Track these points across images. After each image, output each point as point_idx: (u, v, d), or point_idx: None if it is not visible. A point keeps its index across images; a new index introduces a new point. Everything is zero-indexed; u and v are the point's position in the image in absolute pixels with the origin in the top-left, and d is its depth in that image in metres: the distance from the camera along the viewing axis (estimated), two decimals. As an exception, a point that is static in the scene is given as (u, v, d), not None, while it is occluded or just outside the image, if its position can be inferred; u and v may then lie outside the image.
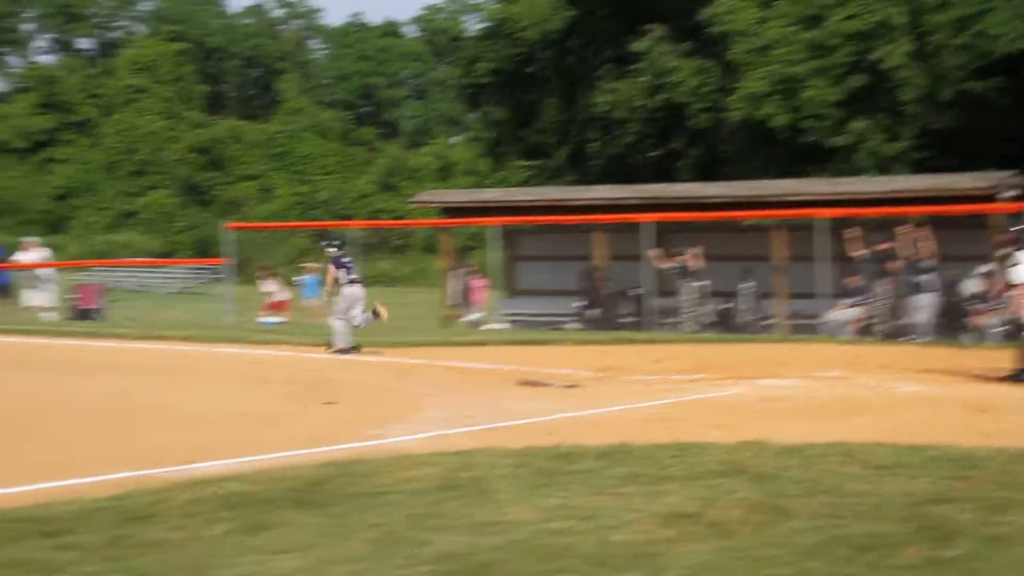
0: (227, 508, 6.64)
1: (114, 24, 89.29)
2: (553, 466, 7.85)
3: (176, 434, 10.36)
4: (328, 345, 18.07)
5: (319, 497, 7.01)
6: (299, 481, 7.43)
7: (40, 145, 73.06)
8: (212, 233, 40.85)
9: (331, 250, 18.32)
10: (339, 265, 18.08)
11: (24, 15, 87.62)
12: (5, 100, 78.75)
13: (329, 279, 18.32)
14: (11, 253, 27.95)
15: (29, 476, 7.94)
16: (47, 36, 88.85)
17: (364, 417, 11.35)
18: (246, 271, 28.97)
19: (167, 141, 70.26)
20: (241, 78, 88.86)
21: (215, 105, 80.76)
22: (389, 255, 49.82)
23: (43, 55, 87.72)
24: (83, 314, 26.42)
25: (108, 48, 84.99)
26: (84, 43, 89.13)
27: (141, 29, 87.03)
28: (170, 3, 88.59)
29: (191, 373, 15.64)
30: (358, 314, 18.06)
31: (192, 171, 70.03)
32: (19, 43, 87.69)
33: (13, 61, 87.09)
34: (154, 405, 12.45)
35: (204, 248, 51.35)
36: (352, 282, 18.07)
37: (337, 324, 18.09)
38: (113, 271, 38.71)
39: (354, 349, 17.90)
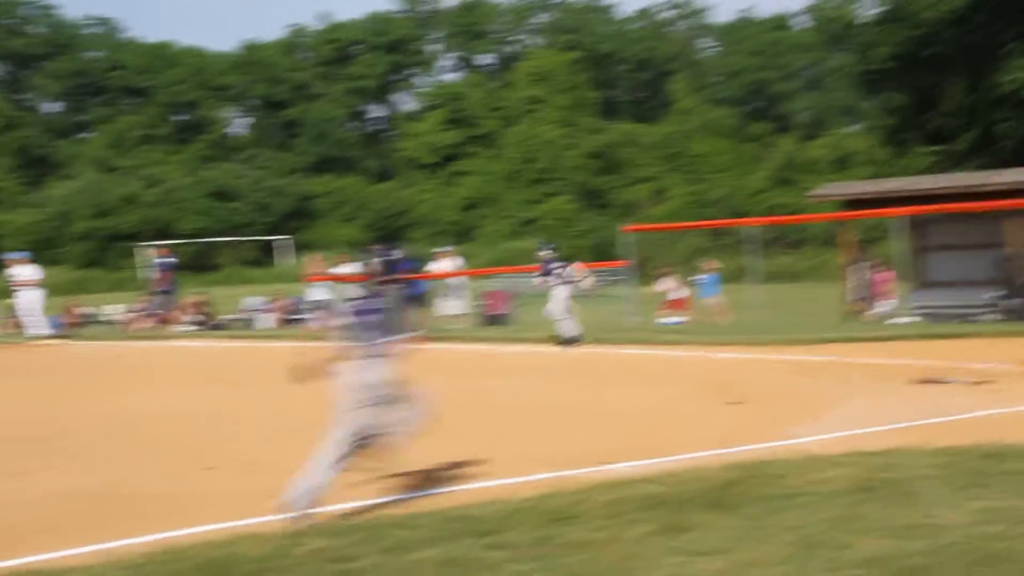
0: (645, 509, 6.74)
1: (512, 39, 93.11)
2: (980, 466, 7.47)
3: (587, 435, 10.64)
4: (557, 339, 19.64)
5: (732, 499, 6.99)
6: (711, 482, 7.44)
7: (448, 159, 77.35)
8: (609, 236, 41.56)
9: (544, 253, 20.35)
10: (546, 272, 20.04)
11: (430, 37, 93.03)
12: (416, 118, 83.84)
13: (540, 280, 20.33)
14: (425, 264, 29.45)
15: (458, 477, 8.40)
16: (452, 55, 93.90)
17: (771, 417, 11.23)
18: (644, 272, 29.27)
19: (564, 148, 72.45)
20: (633, 82, 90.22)
21: (608, 110, 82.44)
22: (787, 251, 49.02)
23: (448, 73, 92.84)
24: (492, 320, 27.52)
25: (507, 62, 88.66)
26: (485, 59, 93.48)
27: (537, 41, 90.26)
28: (563, 14, 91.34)
29: (596, 375, 16.01)
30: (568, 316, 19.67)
31: (589, 176, 71.83)
32: (426, 63, 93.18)
33: (421, 81, 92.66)
34: (562, 406, 12.85)
35: (602, 251, 52.27)
36: (562, 283, 19.76)
37: (556, 315, 19.74)
38: (517, 277, 40.11)
39: (575, 341, 19.41)
